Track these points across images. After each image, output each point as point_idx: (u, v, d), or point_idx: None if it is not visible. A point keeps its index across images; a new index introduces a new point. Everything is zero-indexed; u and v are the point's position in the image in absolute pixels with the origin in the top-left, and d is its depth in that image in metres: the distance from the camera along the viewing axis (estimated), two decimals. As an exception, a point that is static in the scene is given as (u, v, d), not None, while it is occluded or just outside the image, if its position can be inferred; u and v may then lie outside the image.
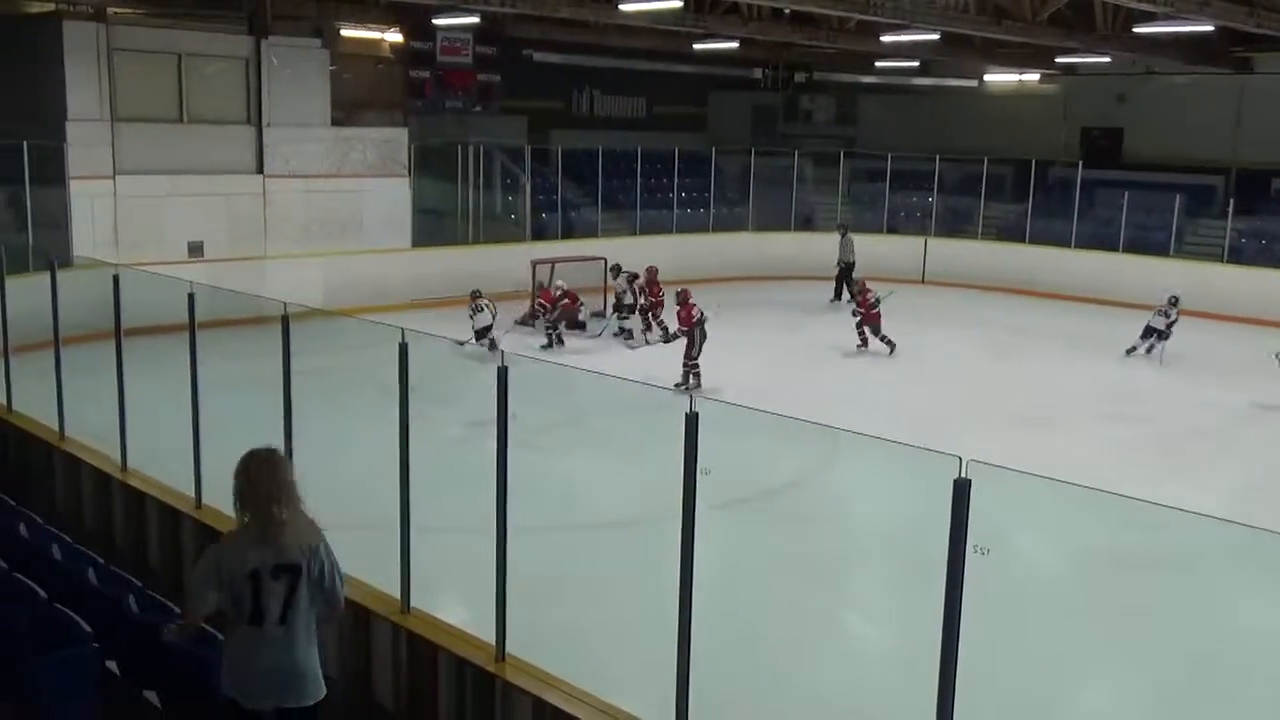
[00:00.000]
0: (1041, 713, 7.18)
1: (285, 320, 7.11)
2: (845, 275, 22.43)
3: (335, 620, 4.66)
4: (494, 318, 16.69)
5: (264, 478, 4.36)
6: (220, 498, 8.01)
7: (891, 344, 17.49)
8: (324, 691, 4.45)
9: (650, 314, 18.39)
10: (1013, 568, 7.88)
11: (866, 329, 17.66)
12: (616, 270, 18.77)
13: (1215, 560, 8.24)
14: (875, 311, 17.71)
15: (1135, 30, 19.17)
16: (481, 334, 16.47)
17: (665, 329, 17.68)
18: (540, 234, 23.43)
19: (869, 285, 18.21)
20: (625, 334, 18.31)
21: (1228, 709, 7.25)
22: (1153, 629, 8.12)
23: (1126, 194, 23.41)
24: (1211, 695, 7.31)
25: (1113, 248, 23.38)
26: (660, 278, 18.72)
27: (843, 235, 23.00)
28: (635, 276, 18.54)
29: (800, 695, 7.29)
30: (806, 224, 26.45)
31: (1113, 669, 7.75)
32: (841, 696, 7.22)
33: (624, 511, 10.40)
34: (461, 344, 15.68)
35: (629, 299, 18.40)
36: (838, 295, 22.42)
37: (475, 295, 16.83)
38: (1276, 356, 14.68)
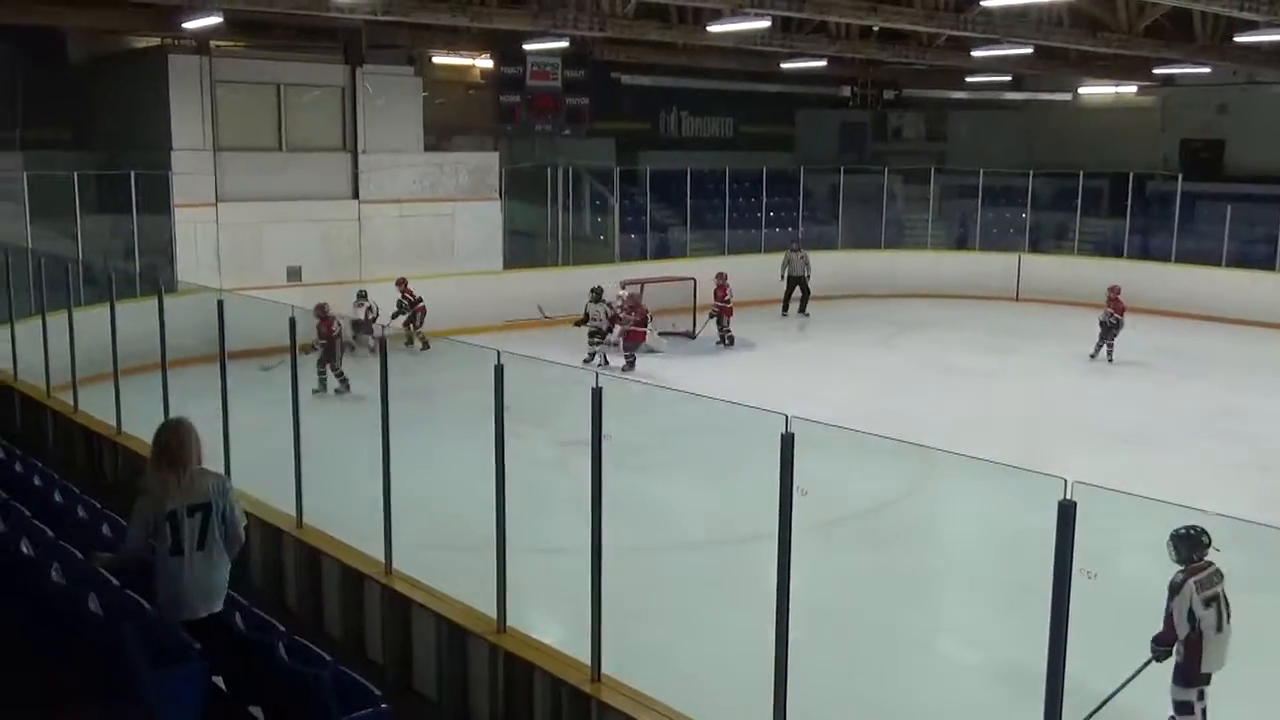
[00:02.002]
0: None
1: (383, 342, 7.24)
2: (801, 286, 22.46)
3: (237, 548, 5.52)
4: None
5: (177, 441, 5.38)
6: (321, 518, 8.20)
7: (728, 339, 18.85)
8: (220, 605, 5.44)
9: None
10: (1116, 589, 7.67)
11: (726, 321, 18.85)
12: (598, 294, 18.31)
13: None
14: (729, 306, 18.99)
15: (1236, 39, 18.65)
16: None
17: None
18: (629, 255, 23.53)
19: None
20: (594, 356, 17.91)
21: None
22: (1265, 653, 7.85)
23: (1229, 207, 22.74)
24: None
25: (1215, 262, 22.73)
26: (749, 296, 18.81)
27: (794, 252, 22.73)
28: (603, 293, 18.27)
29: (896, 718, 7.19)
30: (898, 242, 26.18)
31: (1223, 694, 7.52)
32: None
33: (716, 531, 10.38)
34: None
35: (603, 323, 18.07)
36: (802, 308, 22.43)
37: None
38: None
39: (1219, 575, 6.06)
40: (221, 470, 8.90)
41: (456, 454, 11.55)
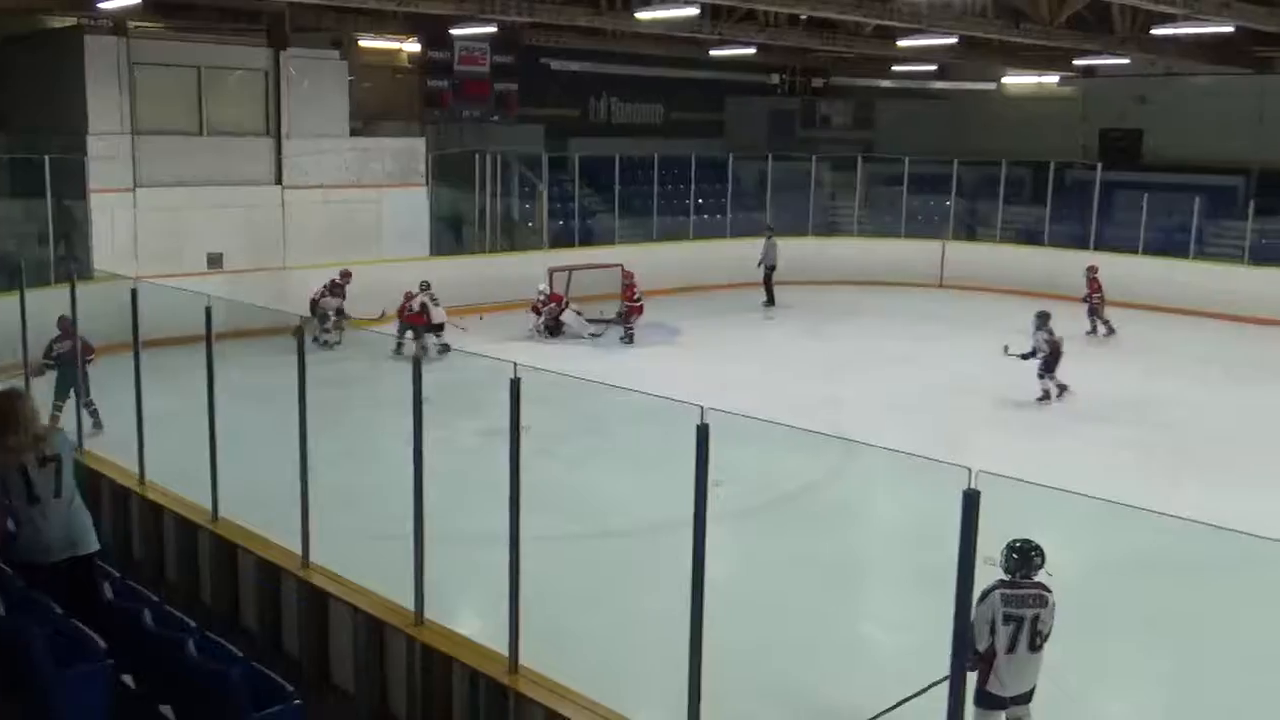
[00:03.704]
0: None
1: (300, 331, 7.16)
2: (769, 277, 22.55)
3: None
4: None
5: (14, 408, 5.74)
6: (238, 510, 8.09)
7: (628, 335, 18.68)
8: (98, 545, 5.87)
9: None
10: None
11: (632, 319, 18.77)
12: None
13: (1222, 565, 8.15)
14: (639, 305, 18.87)
15: (1154, 32, 19.07)
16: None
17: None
18: (558, 242, 23.47)
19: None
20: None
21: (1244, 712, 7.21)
22: (1166, 634, 8.07)
23: (1146, 196, 23.23)
24: (1228, 699, 7.26)
25: (1133, 250, 23.22)
26: (676, 284, 18.89)
27: (768, 238, 22.93)
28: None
29: (813, 702, 7.28)
30: (826, 229, 26.41)
31: (1127, 675, 7.71)
32: (853, 702, 7.20)
33: (641, 518, 10.41)
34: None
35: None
36: (770, 300, 22.42)
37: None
38: (1006, 349, 14.85)
39: (1038, 600, 5.70)
40: (136, 461, 8.82)
41: (382, 444, 11.48)
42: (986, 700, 5.81)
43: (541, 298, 18.93)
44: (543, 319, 18.87)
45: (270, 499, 7.91)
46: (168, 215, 18.22)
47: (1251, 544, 4.58)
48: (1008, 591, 5.70)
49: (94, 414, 11.91)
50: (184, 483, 8.52)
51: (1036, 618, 5.68)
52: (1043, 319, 15.15)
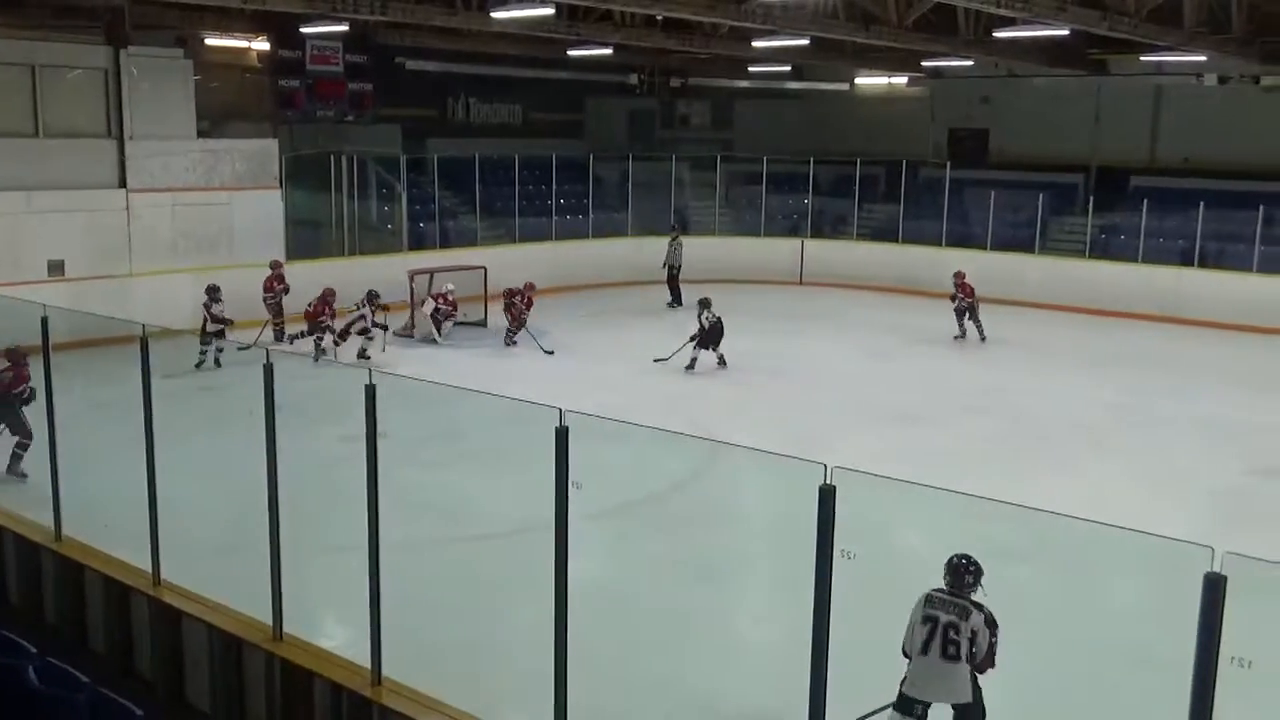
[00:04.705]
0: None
1: (144, 341, 6.88)
2: (674, 277, 22.74)
3: None
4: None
5: None
6: (83, 528, 7.74)
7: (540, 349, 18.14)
8: None
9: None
10: (884, 567, 8.00)
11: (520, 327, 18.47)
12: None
13: (1077, 551, 8.48)
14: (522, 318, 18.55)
15: (996, 35, 19.74)
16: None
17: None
18: (419, 244, 23.15)
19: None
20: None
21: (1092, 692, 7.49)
22: (1021, 620, 8.34)
23: (993, 193, 24.06)
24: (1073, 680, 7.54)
25: (981, 245, 24.02)
26: (515, 286, 18.75)
27: (674, 238, 23.17)
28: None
29: (682, 699, 7.31)
30: (686, 228, 26.63)
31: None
32: (723, 698, 7.26)
33: (506, 523, 10.31)
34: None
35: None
36: (676, 299, 22.51)
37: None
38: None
39: (959, 611, 5.78)
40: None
41: (240, 455, 11.13)
42: (900, 702, 5.89)
43: (442, 303, 18.43)
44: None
45: (119, 515, 7.60)
46: (4, 221, 17.33)
47: (1092, 528, 4.74)
48: (934, 594, 5.83)
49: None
50: (23, 502, 8.13)
51: (952, 625, 5.74)
52: (703, 305, 16.71)
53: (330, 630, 7.30)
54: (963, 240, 24.59)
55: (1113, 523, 4.43)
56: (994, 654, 5.73)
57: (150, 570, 6.94)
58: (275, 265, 18.14)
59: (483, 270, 19.98)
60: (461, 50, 24.08)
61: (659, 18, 20.09)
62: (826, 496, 4.12)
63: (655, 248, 23.57)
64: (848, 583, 4.55)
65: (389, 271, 19.49)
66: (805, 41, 20.71)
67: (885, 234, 25.81)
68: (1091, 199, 24.27)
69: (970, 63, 23.89)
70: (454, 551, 9.78)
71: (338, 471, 10.28)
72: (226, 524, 9.25)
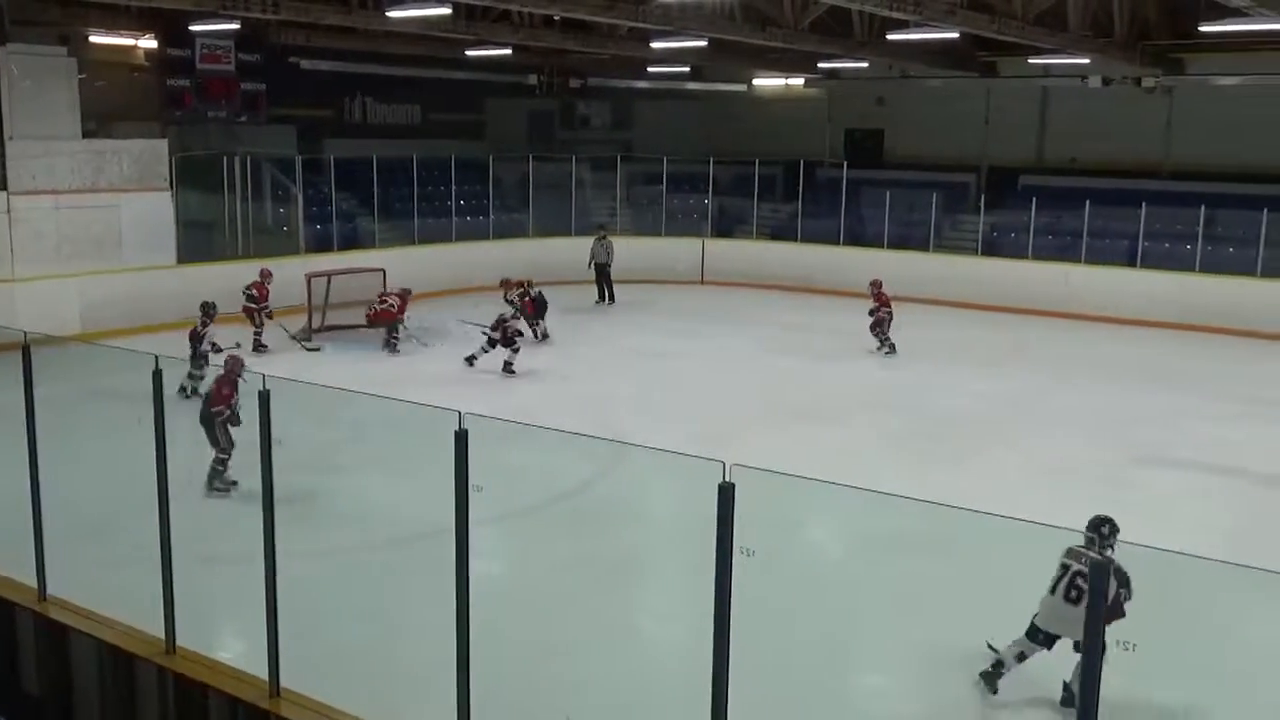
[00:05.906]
0: (822, 695, 7.40)
1: (26, 349, 6.65)
2: (603, 274, 23.02)
3: None
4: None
5: None
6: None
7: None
8: None
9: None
10: (786, 564, 8.09)
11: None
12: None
13: (976, 544, 8.67)
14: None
15: (889, 37, 20.10)
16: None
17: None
18: (317, 246, 22.75)
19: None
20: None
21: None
22: (920, 612, 8.50)
23: (889, 193, 24.49)
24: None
25: (878, 244, 24.43)
26: (416, 287, 18.83)
27: (601, 238, 23.33)
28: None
29: (587, 699, 7.30)
30: (587, 229, 26.65)
31: (884, 652, 8.09)
32: (627, 696, 7.27)
33: (407, 528, 10.19)
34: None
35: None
36: (602, 296, 22.92)
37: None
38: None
39: (1088, 560, 6.49)
40: None
41: (124, 463, 10.81)
42: (1030, 630, 6.78)
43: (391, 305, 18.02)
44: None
45: (0, 529, 7.35)
46: (-126, 225, 16.65)
47: (989, 520, 4.85)
48: (1074, 546, 6.64)
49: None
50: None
51: (1080, 573, 6.49)
52: (508, 286, 17.99)
53: (226, 642, 7.14)
54: (860, 239, 24.99)
55: (999, 513, 4.53)
56: (1120, 606, 6.12)
57: (35, 585, 6.71)
58: (266, 275, 17.61)
59: (381, 272, 19.72)
60: (358, 50, 23.72)
61: (557, 18, 20.06)
62: (725, 494, 4.14)
63: (557, 249, 23.59)
64: (749, 578, 4.59)
65: (285, 274, 19.13)
66: (703, 43, 20.87)
67: (784, 233, 26.13)
68: (983, 198, 24.87)
69: (865, 64, 24.30)
70: (352, 558, 9.62)
71: (240, 477, 10.10)
72: (116, 536, 8.98)
